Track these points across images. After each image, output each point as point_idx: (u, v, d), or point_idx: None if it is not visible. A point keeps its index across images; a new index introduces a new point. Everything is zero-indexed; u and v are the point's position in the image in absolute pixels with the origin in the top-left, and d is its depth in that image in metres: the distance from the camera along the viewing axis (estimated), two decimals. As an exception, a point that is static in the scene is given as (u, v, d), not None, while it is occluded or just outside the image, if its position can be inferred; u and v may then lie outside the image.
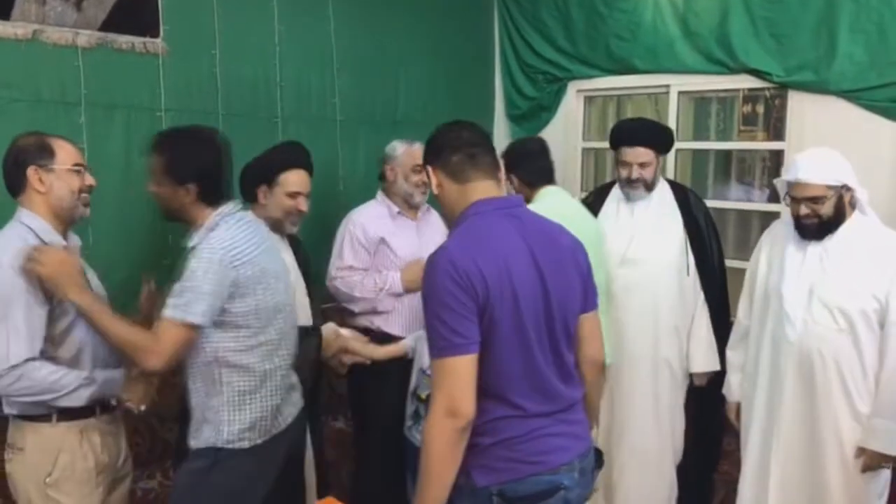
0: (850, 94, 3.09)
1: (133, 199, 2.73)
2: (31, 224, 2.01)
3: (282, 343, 2.11)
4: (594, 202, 3.19)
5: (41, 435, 2.03)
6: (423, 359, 2.57)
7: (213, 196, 2.04)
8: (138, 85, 2.77)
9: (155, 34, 2.81)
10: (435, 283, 1.64)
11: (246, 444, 2.03)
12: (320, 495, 2.49)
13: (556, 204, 2.77)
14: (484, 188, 1.78)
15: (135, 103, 2.73)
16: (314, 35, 3.35)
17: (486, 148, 1.83)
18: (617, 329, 2.99)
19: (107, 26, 2.69)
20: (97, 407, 2.09)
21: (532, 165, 2.91)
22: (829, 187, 2.32)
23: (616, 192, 3.13)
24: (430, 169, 1.84)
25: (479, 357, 1.64)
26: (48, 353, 2.00)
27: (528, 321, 1.70)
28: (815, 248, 2.42)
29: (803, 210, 2.38)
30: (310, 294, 2.73)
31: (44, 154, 2.01)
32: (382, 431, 2.85)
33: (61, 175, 2.03)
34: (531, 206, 2.38)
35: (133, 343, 1.92)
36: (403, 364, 2.70)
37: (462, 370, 1.62)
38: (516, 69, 4.14)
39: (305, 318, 2.62)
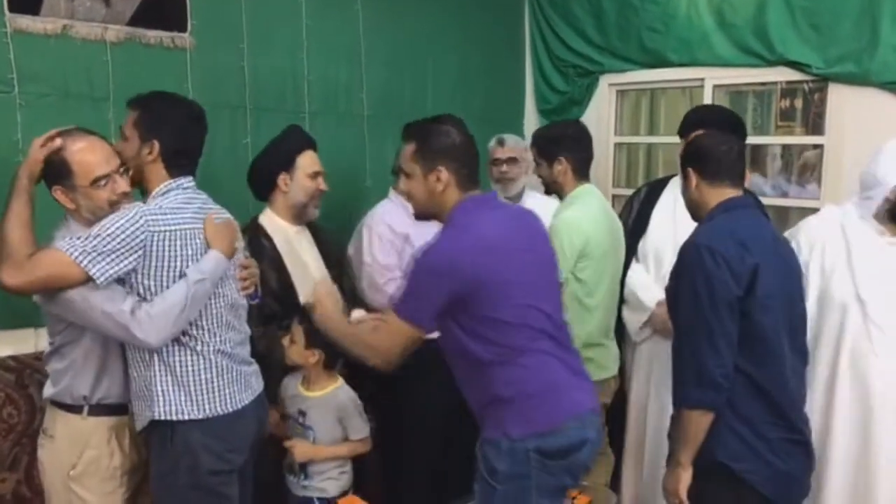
0: (893, 87, 2.99)
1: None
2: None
3: (209, 321, 2.04)
4: (648, 196, 3.10)
5: (71, 426, 2.04)
6: (288, 406, 2.56)
7: (175, 162, 2.02)
8: (166, 80, 2.75)
9: (183, 29, 2.81)
10: (423, 269, 1.92)
11: (184, 417, 1.98)
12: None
13: (599, 205, 2.84)
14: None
15: (163, 98, 2.73)
16: (342, 29, 3.33)
17: (478, 158, 2.09)
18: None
19: (135, 21, 2.69)
20: (130, 405, 2.08)
21: (584, 153, 2.88)
22: None
23: (674, 184, 3.02)
24: (443, 169, 1.99)
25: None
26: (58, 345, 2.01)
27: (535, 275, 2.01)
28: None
29: None
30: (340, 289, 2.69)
31: (62, 173, 1.95)
32: (421, 429, 2.85)
33: (84, 192, 1.97)
34: (573, 205, 2.77)
35: (8, 249, 1.83)
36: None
37: (407, 332, 1.94)
38: (547, 63, 4.08)
39: None
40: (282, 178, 2.58)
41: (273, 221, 2.59)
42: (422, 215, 2.09)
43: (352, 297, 2.81)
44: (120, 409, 2.08)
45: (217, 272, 2.00)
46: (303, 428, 2.51)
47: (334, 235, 2.98)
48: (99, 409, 2.05)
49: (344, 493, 2.54)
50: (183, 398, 1.99)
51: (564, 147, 2.82)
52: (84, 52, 2.58)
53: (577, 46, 3.93)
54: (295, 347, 2.47)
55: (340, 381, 2.56)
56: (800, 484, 2.10)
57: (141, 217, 1.89)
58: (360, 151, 3.44)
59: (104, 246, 1.84)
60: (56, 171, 1.96)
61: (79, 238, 1.85)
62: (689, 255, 2.02)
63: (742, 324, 1.97)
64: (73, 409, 2.04)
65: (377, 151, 3.49)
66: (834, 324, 2.32)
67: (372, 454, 2.71)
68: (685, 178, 2.21)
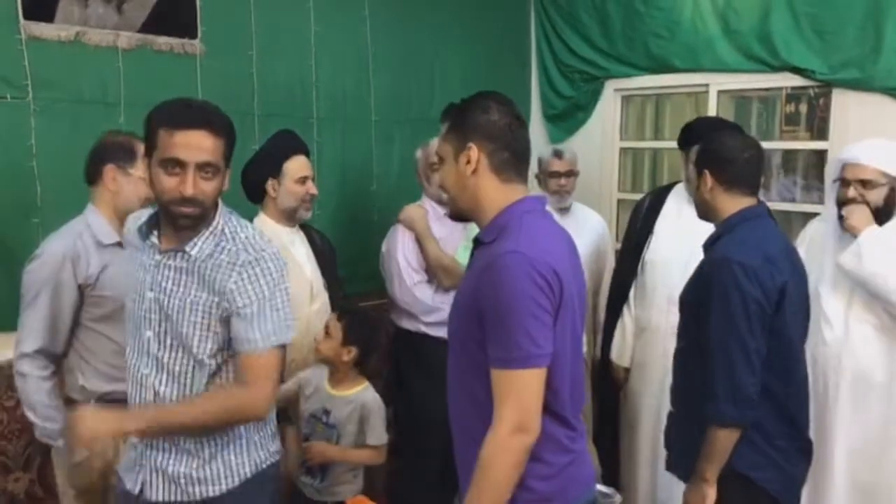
0: (896, 92, 3.01)
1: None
2: (92, 222, 2.08)
3: None
4: (653, 203, 3.10)
5: None
6: (310, 403, 2.53)
7: None
8: (176, 86, 2.79)
9: (193, 35, 2.85)
10: (515, 288, 1.48)
11: (276, 458, 1.90)
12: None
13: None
14: (523, 190, 1.67)
15: (173, 104, 2.76)
16: (350, 35, 3.37)
17: (526, 147, 1.69)
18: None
19: (146, 28, 2.73)
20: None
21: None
22: (884, 174, 2.28)
23: (678, 192, 3.04)
24: (473, 147, 1.61)
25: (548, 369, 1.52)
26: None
27: (577, 327, 1.63)
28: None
29: (850, 193, 2.32)
30: (331, 289, 2.76)
31: (126, 156, 2.09)
32: (428, 430, 2.84)
33: (135, 181, 2.09)
34: None
35: (231, 406, 1.69)
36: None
37: (536, 384, 1.50)
38: (553, 68, 4.11)
39: (326, 311, 2.67)
40: (270, 184, 2.60)
41: (265, 224, 2.62)
42: (456, 212, 1.71)
43: (343, 298, 2.85)
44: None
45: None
46: (326, 427, 2.48)
47: (339, 239, 3.01)
48: (106, 402, 2.07)
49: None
50: (270, 437, 1.91)
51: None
52: (97, 58, 2.62)
53: (583, 52, 3.95)
54: (329, 342, 2.43)
55: (367, 384, 2.54)
56: (801, 486, 2.13)
57: (280, 264, 1.79)
58: (368, 156, 3.47)
59: (279, 303, 1.74)
60: (123, 152, 2.11)
61: (259, 324, 1.70)
62: (720, 270, 1.95)
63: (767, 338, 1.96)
64: (81, 404, 2.08)
65: (384, 156, 3.53)
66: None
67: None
68: (700, 178, 2.13)
